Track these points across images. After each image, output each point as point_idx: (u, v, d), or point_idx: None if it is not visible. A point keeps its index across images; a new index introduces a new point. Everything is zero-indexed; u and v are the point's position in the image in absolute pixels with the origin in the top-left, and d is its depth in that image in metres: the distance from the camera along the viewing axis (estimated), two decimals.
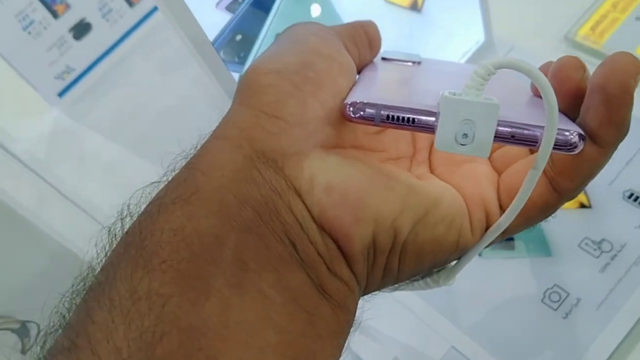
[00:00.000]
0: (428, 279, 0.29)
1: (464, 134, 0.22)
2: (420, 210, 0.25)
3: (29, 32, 0.67)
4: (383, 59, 0.31)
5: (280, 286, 0.22)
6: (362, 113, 0.24)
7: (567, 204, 0.52)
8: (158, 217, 0.22)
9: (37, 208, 0.60)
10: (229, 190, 0.23)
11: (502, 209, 0.26)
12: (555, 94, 0.22)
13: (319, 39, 0.27)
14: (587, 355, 0.45)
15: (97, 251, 0.24)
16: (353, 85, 0.26)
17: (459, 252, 0.27)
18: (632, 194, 0.52)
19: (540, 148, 0.22)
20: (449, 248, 0.26)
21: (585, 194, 0.53)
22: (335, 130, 0.25)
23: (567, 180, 0.25)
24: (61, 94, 0.71)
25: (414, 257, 0.25)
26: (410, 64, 0.32)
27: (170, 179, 0.24)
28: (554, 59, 0.25)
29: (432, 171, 0.28)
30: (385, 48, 0.31)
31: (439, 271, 0.29)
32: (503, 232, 0.26)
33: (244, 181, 0.23)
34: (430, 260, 0.26)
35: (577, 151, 0.23)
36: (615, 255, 0.49)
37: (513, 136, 0.22)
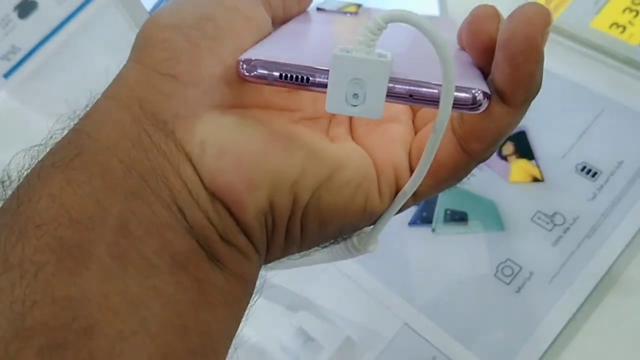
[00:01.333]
0: (347, 244, 0.28)
1: (355, 94, 0.21)
2: (321, 174, 0.24)
3: None
4: (318, 9, 0.30)
5: (167, 253, 0.21)
6: (255, 72, 0.22)
7: (519, 178, 0.52)
8: (37, 182, 0.21)
9: None
10: (114, 154, 0.21)
11: (412, 172, 0.25)
12: (469, 47, 0.20)
13: None
14: (539, 328, 0.45)
15: None
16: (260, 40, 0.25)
17: (368, 217, 0.25)
18: (584, 167, 0.52)
19: (440, 107, 0.21)
20: (356, 213, 0.25)
21: (538, 167, 0.52)
22: (234, 89, 0.24)
23: (475, 141, 0.24)
24: (7, 74, 0.69)
25: (317, 222, 0.24)
26: (345, 15, 0.30)
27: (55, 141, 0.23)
28: None
29: (352, 132, 0.27)
30: None
31: (355, 237, 0.28)
32: (415, 196, 0.25)
33: (131, 144, 0.22)
34: (336, 225, 0.25)
35: (481, 110, 0.21)
36: (568, 228, 0.49)
37: (411, 95, 0.21)
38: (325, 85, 0.21)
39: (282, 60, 0.22)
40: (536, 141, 0.53)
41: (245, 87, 0.24)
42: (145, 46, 0.23)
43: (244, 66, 0.22)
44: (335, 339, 0.47)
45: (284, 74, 0.22)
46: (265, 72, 0.22)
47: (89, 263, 0.19)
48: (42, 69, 0.70)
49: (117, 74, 0.24)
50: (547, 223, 0.50)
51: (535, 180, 0.52)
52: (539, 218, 0.50)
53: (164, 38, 0.23)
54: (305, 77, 0.22)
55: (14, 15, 0.67)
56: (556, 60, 0.57)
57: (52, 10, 0.70)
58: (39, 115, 0.68)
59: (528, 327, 0.46)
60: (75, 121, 0.23)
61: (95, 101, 0.23)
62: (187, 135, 0.22)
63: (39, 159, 0.22)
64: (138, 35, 0.24)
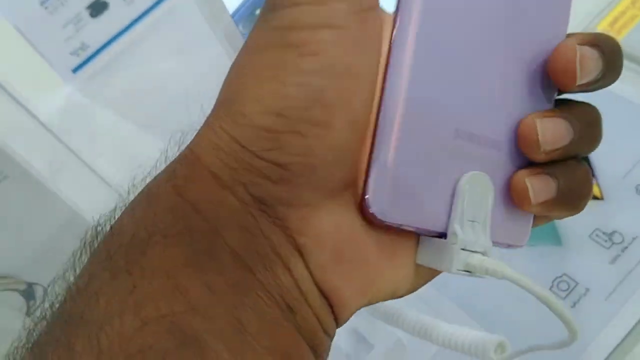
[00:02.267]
0: None
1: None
2: (415, 284, 0.25)
3: (46, 7, 0.67)
4: None
5: (278, 353, 0.20)
6: (382, 221, 0.22)
7: None
8: (147, 252, 0.20)
9: (50, 175, 0.60)
10: (222, 237, 0.20)
11: None
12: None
13: (334, 34, 0.21)
14: (593, 345, 0.45)
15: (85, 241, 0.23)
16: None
17: None
18: None
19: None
20: None
21: (598, 185, 0.52)
22: (345, 171, 0.22)
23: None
24: (75, 70, 0.72)
25: None
26: None
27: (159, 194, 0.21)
28: None
29: None
30: None
31: None
32: None
33: (238, 230, 0.20)
34: None
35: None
36: (626, 247, 0.49)
37: None
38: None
39: (414, 225, 0.22)
40: (597, 159, 0.53)
41: (355, 168, 0.22)
42: (244, 125, 0.21)
43: (374, 215, 0.22)
44: (386, 339, 0.47)
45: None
46: (395, 224, 0.22)
47: (207, 356, 0.19)
48: (109, 67, 0.73)
49: (206, 129, 0.22)
50: (605, 241, 0.49)
51: (595, 198, 0.52)
52: (597, 235, 0.50)
53: (268, 127, 0.21)
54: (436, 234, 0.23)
55: (85, 14, 0.70)
56: (619, 82, 0.57)
57: (122, 10, 0.72)
58: (103, 111, 0.70)
59: (581, 343, 0.45)
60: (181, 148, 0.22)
61: (192, 162, 0.22)
62: (300, 226, 0.21)
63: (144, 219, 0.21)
64: (231, 110, 0.22)
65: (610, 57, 0.23)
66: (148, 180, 0.23)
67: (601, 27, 0.62)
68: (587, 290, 0.47)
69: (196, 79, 0.69)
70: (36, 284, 0.41)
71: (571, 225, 0.51)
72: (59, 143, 0.65)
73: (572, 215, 0.26)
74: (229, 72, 0.23)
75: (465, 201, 0.23)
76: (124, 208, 0.22)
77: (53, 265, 0.44)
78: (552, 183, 0.23)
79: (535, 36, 0.24)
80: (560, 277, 0.48)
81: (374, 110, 0.22)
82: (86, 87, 0.72)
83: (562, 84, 0.23)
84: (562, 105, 0.24)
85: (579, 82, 0.23)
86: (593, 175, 0.52)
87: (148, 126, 0.67)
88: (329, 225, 0.22)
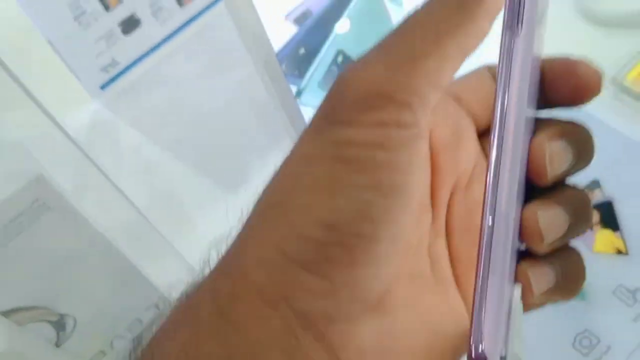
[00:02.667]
0: None
1: None
2: None
3: (79, 22, 0.67)
4: None
5: None
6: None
7: (603, 248, 0.52)
8: None
9: (77, 194, 0.60)
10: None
11: None
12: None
13: (386, 155, 0.22)
14: None
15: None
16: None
17: None
18: None
19: None
20: None
21: (623, 240, 0.53)
22: (385, 284, 0.22)
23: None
24: (103, 86, 0.72)
25: None
26: None
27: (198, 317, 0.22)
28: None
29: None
30: None
31: None
32: None
33: (280, 351, 0.21)
34: None
35: None
36: None
37: None
38: None
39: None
40: (622, 213, 0.54)
41: (396, 282, 0.23)
42: (292, 235, 0.22)
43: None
44: None
45: None
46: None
47: None
48: (137, 84, 0.73)
49: (252, 239, 0.23)
50: (629, 298, 0.50)
51: (619, 252, 0.52)
52: (620, 292, 0.50)
53: (316, 238, 0.21)
54: None
55: (118, 31, 0.70)
56: None
57: (154, 29, 0.73)
58: (129, 128, 0.70)
59: None
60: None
61: (233, 273, 0.22)
62: (341, 341, 0.21)
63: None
64: (278, 204, 0.22)
65: (580, 146, 0.24)
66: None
67: (632, 76, 0.63)
68: (609, 348, 0.48)
69: (225, 100, 0.69)
70: (67, 315, 0.41)
71: (595, 280, 0.51)
72: (86, 160, 0.65)
73: (566, 300, 0.25)
74: (276, 176, 0.23)
75: (517, 318, 0.22)
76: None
77: (85, 295, 0.44)
78: (551, 272, 0.23)
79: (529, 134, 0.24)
80: (583, 332, 0.49)
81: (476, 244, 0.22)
82: (113, 103, 0.72)
83: (536, 180, 0.23)
84: (555, 192, 0.24)
85: (550, 177, 0.23)
86: (617, 229, 0.53)
87: (174, 147, 0.68)
88: (370, 338, 0.22)
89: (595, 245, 0.53)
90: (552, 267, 0.23)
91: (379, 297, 0.22)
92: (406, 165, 0.22)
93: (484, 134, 0.28)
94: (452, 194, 0.26)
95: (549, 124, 0.24)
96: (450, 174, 0.26)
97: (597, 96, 0.24)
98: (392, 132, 0.22)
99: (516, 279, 0.22)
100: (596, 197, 0.54)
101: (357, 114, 0.22)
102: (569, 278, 0.24)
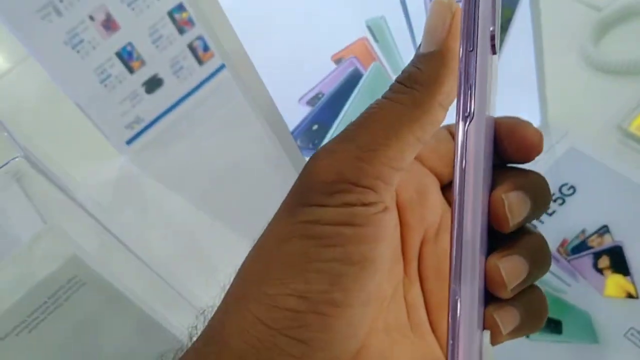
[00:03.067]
0: None
1: None
2: None
3: (105, 85, 0.71)
4: None
5: None
6: None
7: (614, 293, 0.53)
8: None
9: (99, 254, 0.63)
10: None
11: None
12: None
13: (353, 230, 0.24)
14: None
15: None
16: None
17: None
18: None
19: None
20: None
21: (633, 284, 0.54)
22: (358, 343, 0.25)
23: None
24: (129, 141, 0.75)
25: None
26: None
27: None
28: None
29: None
30: None
31: None
32: None
33: None
34: None
35: None
36: None
37: None
38: None
39: None
40: (632, 257, 0.55)
41: (369, 339, 0.25)
42: (270, 305, 0.24)
43: None
44: None
45: None
46: None
47: None
48: (160, 139, 0.76)
49: (234, 313, 0.25)
50: None
51: (630, 296, 0.54)
52: (632, 335, 0.51)
53: (292, 308, 0.23)
54: None
55: (141, 91, 0.74)
56: None
57: (175, 86, 0.76)
58: (154, 181, 0.74)
59: None
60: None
61: (216, 336, 0.25)
62: None
63: None
64: (256, 278, 0.25)
65: (537, 194, 0.26)
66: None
67: (636, 123, 0.64)
68: None
69: (241, 156, 0.72)
70: None
71: (607, 322, 0.52)
72: (107, 218, 0.68)
73: (532, 333, 0.28)
74: (252, 252, 0.26)
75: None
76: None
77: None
78: (516, 312, 0.25)
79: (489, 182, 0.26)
80: None
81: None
82: (138, 158, 0.75)
83: (499, 229, 0.25)
84: (516, 239, 0.26)
85: (512, 225, 0.25)
86: (628, 273, 0.54)
87: (197, 200, 0.71)
88: None
89: (606, 289, 0.54)
90: (516, 307, 0.25)
91: (355, 354, 0.24)
92: (372, 237, 0.24)
93: (448, 186, 0.30)
94: (422, 245, 0.29)
95: (506, 176, 0.26)
96: (418, 227, 0.29)
97: (540, 154, 0.27)
98: (358, 210, 0.24)
99: (485, 322, 0.25)
100: (606, 242, 0.56)
101: (325, 198, 0.24)
102: (533, 315, 0.26)
